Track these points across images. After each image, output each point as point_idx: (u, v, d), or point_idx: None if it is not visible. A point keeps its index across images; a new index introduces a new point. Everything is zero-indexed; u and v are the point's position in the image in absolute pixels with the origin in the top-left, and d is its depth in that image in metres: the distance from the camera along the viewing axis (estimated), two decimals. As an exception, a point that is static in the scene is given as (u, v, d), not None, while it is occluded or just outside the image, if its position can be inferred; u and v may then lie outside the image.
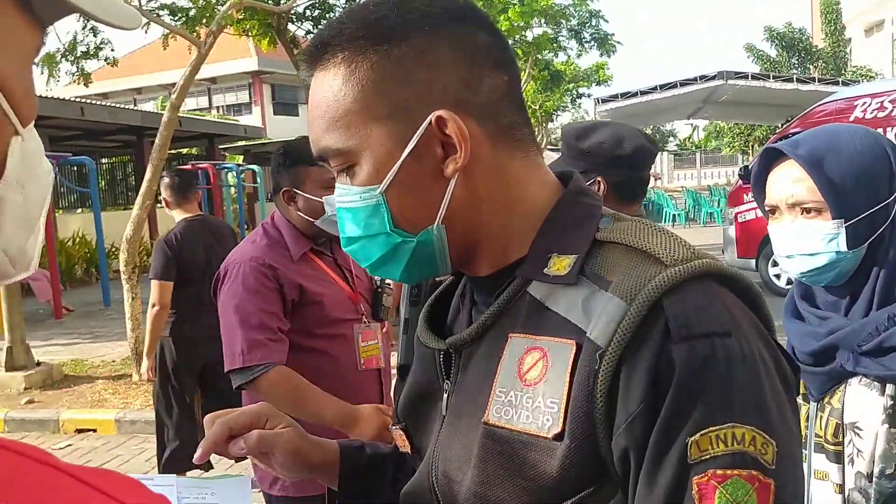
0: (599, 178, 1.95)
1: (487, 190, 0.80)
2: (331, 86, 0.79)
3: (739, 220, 10.17)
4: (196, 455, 0.94)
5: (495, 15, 15.29)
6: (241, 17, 9.95)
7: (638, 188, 2.05)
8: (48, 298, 10.59)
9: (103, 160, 20.27)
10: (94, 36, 7.61)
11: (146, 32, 8.88)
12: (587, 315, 0.72)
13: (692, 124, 50.46)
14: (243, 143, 22.83)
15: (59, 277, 11.94)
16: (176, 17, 9.83)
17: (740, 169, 10.59)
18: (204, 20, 8.97)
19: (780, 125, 27.13)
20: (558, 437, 0.70)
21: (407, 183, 0.78)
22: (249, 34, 11.41)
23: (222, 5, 9.25)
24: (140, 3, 7.62)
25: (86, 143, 18.88)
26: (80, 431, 5.80)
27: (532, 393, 0.73)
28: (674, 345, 0.68)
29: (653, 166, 2.20)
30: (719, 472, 0.65)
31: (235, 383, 2.18)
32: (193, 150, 22.68)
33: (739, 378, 0.67)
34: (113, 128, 16.89)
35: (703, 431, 0.66)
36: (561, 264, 0.77)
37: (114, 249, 15.40)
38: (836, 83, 17.93)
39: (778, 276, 9.74)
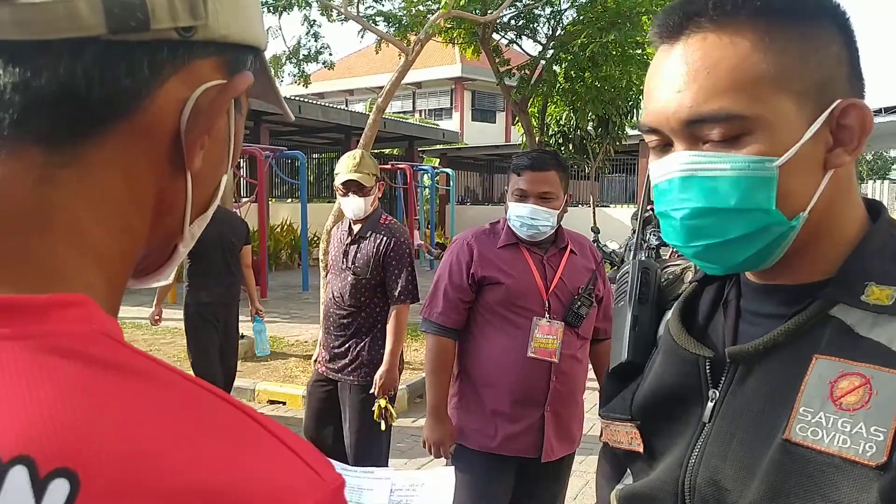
0: None
1: (838, 193, 0.80)
2: (738, 48, 0.76)
3: None
4: None
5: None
6: (448, 25, 10.34)
7: None
8: None
9: (314, 155, 21.81)
10: (316, 41, 8.27)
11: (361, 38, 9.46)
12: None
13: (923, 152, 45.57)
14: (441, 146, 23.63)
15: (267, 260, 13.03)
16: (389, 24, 10.41)
17: None
18: (415, 28, 9.43)
19: None
20: (883, 466, 0.69)
21: (800, 163, 0.76)
22: (455, 42, 11.84)
23: (433, 14, 9.67)
24: (358, 10, 8.15)
25: (300, 138, 20.42)
26: (271, 402, 6.30)
27: (851, 418, 0.72)
28: None
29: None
30: None
31: (421, 328, 2.77)
32: (395, 151, 23.80)
33: None
34: (324, 126, 18.12)
35: None
36: (882, 294, 0.76)
37: (315, 239, 16.54)
38: None
39: None
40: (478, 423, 2.64)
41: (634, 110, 14.14)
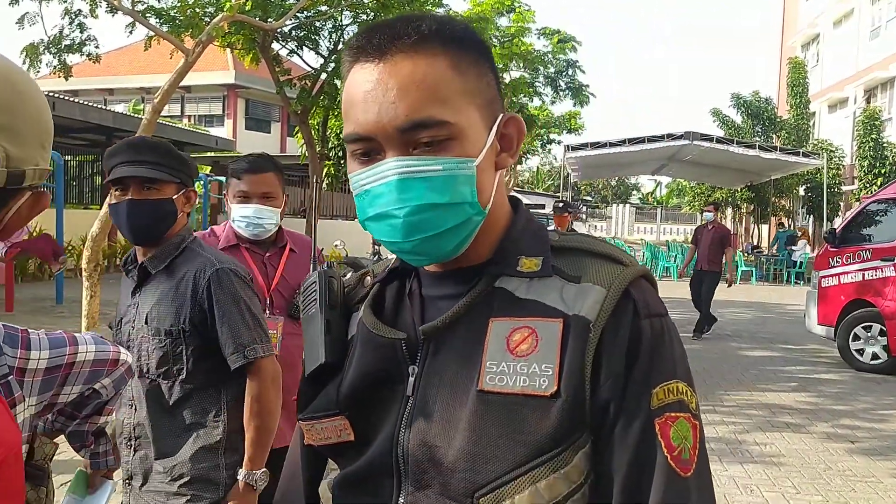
0: None
1: (499, 190, 0.97)
2: (436, 68, 0.90)
3: (823, 284, 9.65)
4: None
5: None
6: (228, 30, 10.01)
7: None
8: None
9: (67, 157, 19.96)
10: (81, 32, 7.61)
11: (130, 33, 8.87)
12: (565, 300, 0.91)
13: (656, 180, 51.76)
14: (212, 154, 22.72)
15: (13, 270, 11.71)
16: (161, 22, 9.86)
17: (826, 233, 10.06)
18: (191, 29, 9.01)
19: (739, 189, 27.87)
20: (555, 394, 0.87)
21: (485, 164, 0.93)
22: (234, 48, 11.49)
23: (210, 16, 9.31)
24: (133, 5, 7.65)
25: (53, 138, 18.60)
26: None
27: (525, 362, 0.89)
28: (641, 320, 0.90)
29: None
30: (672, 414, 0.88)
31: None
32: (161, 156, 22.39)
33: (676, 346, 0.92)
34: (82, 126, 16.72)
35: (660, 385, 0.88)
36: (531, 263, 0.95)
37: (70, 247, 15.13)
38: (797, 153, 18.53)
39: (860, 352, 9.22)
40: None
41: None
